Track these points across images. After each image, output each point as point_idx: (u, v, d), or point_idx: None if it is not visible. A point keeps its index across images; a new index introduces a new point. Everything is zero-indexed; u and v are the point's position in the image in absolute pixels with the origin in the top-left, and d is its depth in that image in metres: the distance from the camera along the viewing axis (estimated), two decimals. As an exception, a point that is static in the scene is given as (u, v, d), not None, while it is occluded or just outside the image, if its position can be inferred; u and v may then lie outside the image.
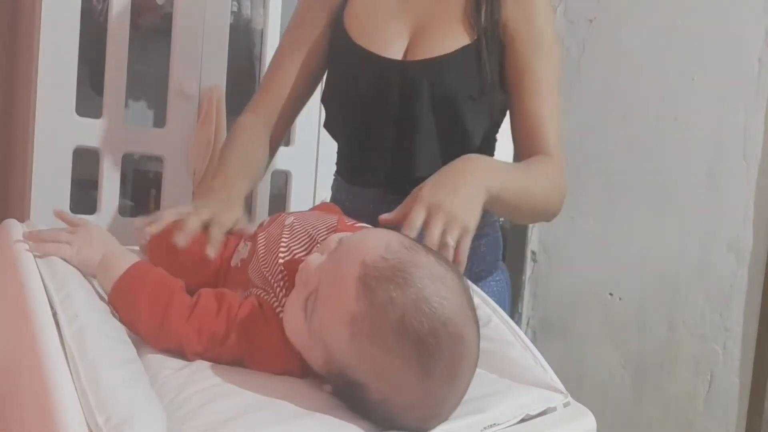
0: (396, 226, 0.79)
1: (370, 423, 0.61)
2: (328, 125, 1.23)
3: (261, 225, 0.88)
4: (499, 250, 1.25)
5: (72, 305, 0.63)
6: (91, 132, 1.48)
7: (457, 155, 0.97)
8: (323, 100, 1.22)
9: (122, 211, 1.57)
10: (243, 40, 1.77)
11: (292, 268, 0.72)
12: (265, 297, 0.72)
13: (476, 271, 1.16)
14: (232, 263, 0.86)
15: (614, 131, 2.12)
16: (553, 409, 0.71)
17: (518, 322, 2.16)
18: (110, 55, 1.49)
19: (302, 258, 0.73)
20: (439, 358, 0.59)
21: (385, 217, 0.84)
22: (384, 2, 1.17)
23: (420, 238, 0.77)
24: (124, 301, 0.71)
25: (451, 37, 1.11)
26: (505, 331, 0.81)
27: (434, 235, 0.79)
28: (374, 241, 0.65)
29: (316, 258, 0.68)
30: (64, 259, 0.74)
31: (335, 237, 0.70)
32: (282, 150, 1.76)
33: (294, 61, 1.22)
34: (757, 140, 1.91)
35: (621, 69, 2.11)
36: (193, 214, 0.88)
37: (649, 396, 2.10)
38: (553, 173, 1.09)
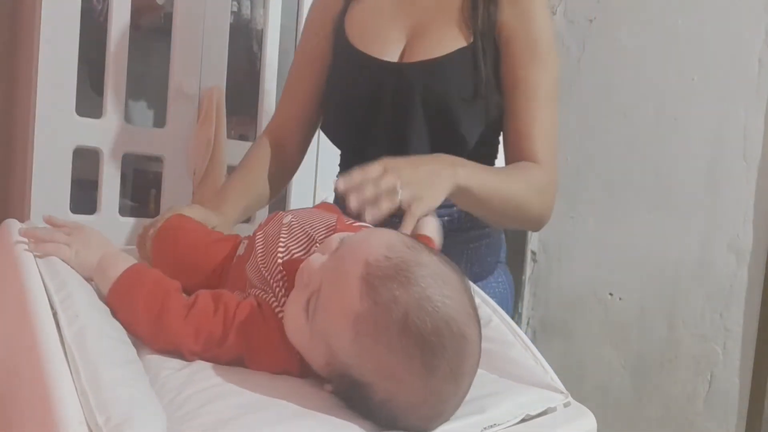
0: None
1: (372, 423, 0.61)
2: (325, 128, 1.22)
3: (260, 224, 0.88)
4: (500, 252, 1.24)
5: (72, 305, 0.63)
6: (91, 132, 1.48)
7: None
8: (322, 105, 1.23)
9: (122, 211, 1.57)
10: (243, 40, 1.77)
11: (291, 268, 0.72)
12: (264, 297, 0.72)
13: (476, 272, 1.15)
14: (233, 262, 0.86)
15: (614, 131, 2.12)
16: (554, 410, 0.71)
17: (518, 322, 2.16)
18: (110, 55, 1.49)
19: (301, 258, 0.73)
20: (442, 356, 0.59)
21: (338, 183, 0.81)
22: (383, 6, 1.17)
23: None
24: (122, 303, 0.71)
25: (448, 40, 1.10)
26: (506, 332, 0.81)
27: (377, 184, 0.79)
28: (376, 241, 0.65)
29: (317, 258, 0.68)
30: (63, 260, 0.74)
31: (336, 237, 0.70)
32: (282, 150, 1.76)
33: (303, 78, 1.24)
34: (757, 140, 1.91)
35: (621, 69, 2.11)
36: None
37: (649, 396, 2.10)
38: (538, 180, 1.06)
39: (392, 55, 1.13)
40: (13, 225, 0.82)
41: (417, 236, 0.88)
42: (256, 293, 0.74)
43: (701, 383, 2.02)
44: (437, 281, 0.61)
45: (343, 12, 1.20)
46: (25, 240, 0.75)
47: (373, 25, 1.16)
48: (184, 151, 1.61)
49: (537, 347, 0.80)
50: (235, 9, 1.75)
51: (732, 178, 1.95)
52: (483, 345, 0.66)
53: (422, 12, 1.14)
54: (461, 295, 0.63)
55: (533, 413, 0.68)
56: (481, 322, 0.67)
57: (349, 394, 0.62)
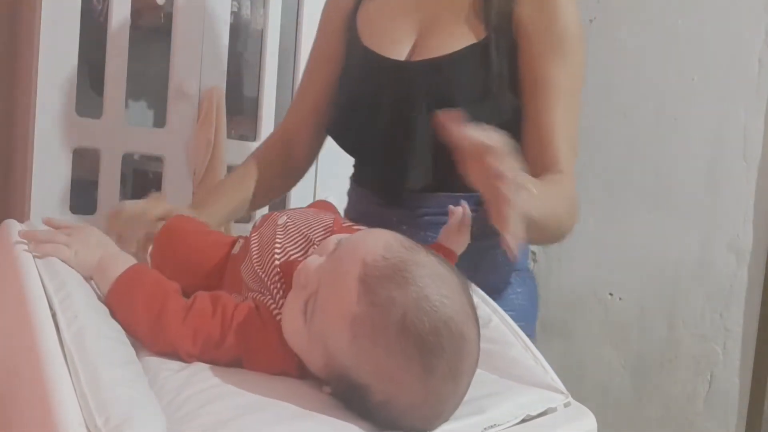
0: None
1: (372, 424, 0.61)
2: (329, 129, 1.17)
3: (254, 225, 0.88)
4: (519, 260, 1.13)
5: (71, 306, 0.63)
6: (91, 132, 1.48)
7: (455, 167, 0.90)
8: (331, 105, 1.18)
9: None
10: (243, 40, 1.77)
11: (288, 269, 0.71)
12: (261, 299, 0.72)
13: (493, 282, 1.04)
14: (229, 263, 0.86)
15: (614, 131, 2.12)
16: (554, 410, 0.71)
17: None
18: (110, 55, 1.49)
19: (298, 259, 0.73)
20: (441, 356, 0.59)
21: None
22: (394, 1, 1.12)
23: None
24: (121, 303, 0.71)
25: (458, 36, 1.03)
26: (506, 332, 0.81)
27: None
28: (374, 241, 0.64)
29: (314, 260, 0.68)
30: (62, 261, 0.74)
31: (334, 238, 0.70)
32: (282, 150, 1.76)
33: (315, 78, 1.21)
34: (757, 140, 1.91)
35: (621, 69, 2.11)
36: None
37: (649, 396, 2.10)
38: (570, 195, 0.99)
39: (400, 53, 1.07)
40: (13, 225, 0.82)
41: (436, 247, 0.88)
42: (254, 296, 0.74)
43: (701, 383, 2.01)
44: (435, 281, 0.61)
45: (355, 9, 1.16)
46: (25, 241, 0.75)
47: (384, 22, 1.11)
48: (184, 151, 1.61)
49: (537, 347, 0.80)
50: (235, 9, 1.75)
51: (732, 178, 1.94)
52: (483, 345, 0.66)
53: (433, 6, 1.07)
54: (459, 294, 0.63)
55: (533, 413, 0.68)
56: (481, 322, 0.67)
57: (347, 396, 0.62)
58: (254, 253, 0.78)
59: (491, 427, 0.64)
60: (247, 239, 0.84)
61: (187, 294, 0.73)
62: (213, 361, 0.69)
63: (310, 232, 0.79)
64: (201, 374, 0.66)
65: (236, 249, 0.86)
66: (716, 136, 1.96)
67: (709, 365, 2.00)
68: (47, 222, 0.82)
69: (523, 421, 0.67)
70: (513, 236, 0.69)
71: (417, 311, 0.59)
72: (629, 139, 2.09)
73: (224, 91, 1.64)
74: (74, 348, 0.57)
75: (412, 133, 1.03)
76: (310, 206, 1.02)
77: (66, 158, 1.45)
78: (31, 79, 1.42)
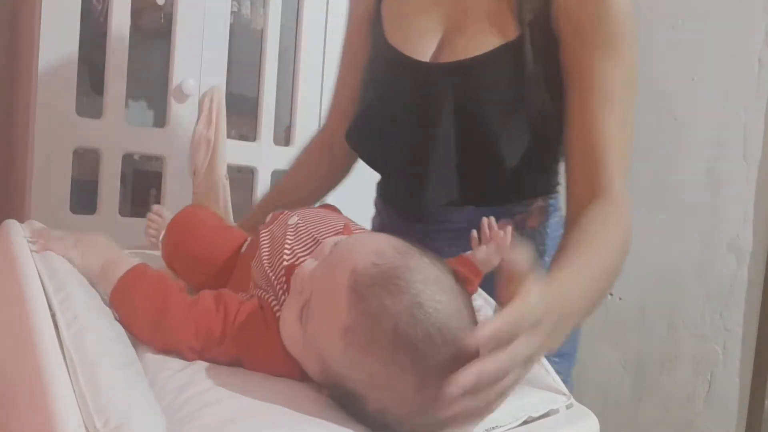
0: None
1: (370, 430, 0.61)
2: (347, 136, 1.07)
3: (264, 222, 0.87)
4: None
5: (71, 306, 0.63)
6: (91, 132, 1.48)
7: (483, 181, 0.88)
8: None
9: (122, 211, 1.57)
10: (243, 40, 1.77)
11: (291, 272, 0.71)
12: (266, 296, 0.72)
13: None
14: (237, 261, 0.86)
15: (614, 131, 2.12)
16: (556, 411, 0.70)
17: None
18: (110, 55, 1.49)
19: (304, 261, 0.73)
20: (435, 364, 0.57)
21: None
22: None
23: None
24: (123, 301, 0.70)
25: (488, 35, 0.92)
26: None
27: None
28: (364, 247, 0.62)
29: (309, 264, 0.67)
30: (70, 260, 0.74)
31: (330, 242, 0.69)
32: (282, 150, 1.77)
33: (348, 71, 1.15)
34: (757, 140, 1.91)
35: (621, 69, 2.11)
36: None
37: (649, 396, 2.10)
38: (617, 233, 0.84)
39: (425, 53, 0.97)
40: (13, 225, 0.82)
41: (461, 260, 0.85)
42: (260, 293, 0.73)
43: (701, 383, 2.02)
44: (429, 286, 0.59)
45: (380, 0, 1.06)
46: (24, 241, 0.75)
47: (409, 16, 1.00)
48: (184, 151, 1.60)
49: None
50: (235, 9, 1.75)
51: (732, 178, 1.95)
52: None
53: (463, 1, 0.96)
54: (455, 298, 0.61)
55: (535, 415, 0.68)
56: (483, 323, 0.66)
57: (344, 402, 0.61)
58: (264, 252, 0.78)
59: (493, 428, 0.64)
60: (256, 237, 0.83)
61: (197, 288, 0.73)
62: (214, 359, 0.69)
63: (320, 235, 0.77)
64: (202, 374, 0.65)
65: (244, 248, 0.85)
66: (716, 136, 1.96)
67: (709, 365, 2.00)
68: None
69: (525, 422, 0.67)
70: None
71: (409, 319, 0.57)
72: (629, 139, 2.09)
73: (224, 91, 1.64)
74: (73, 349, 0.57)
75: (435, 144, 0.93)
76: (320, 208, 1.00)
77: (66, 158, 1.45)
78: (31, 79, 1.41)
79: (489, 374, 0.54)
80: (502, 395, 0.57)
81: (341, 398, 0.62)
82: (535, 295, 0.58)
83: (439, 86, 0.93)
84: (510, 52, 0.91)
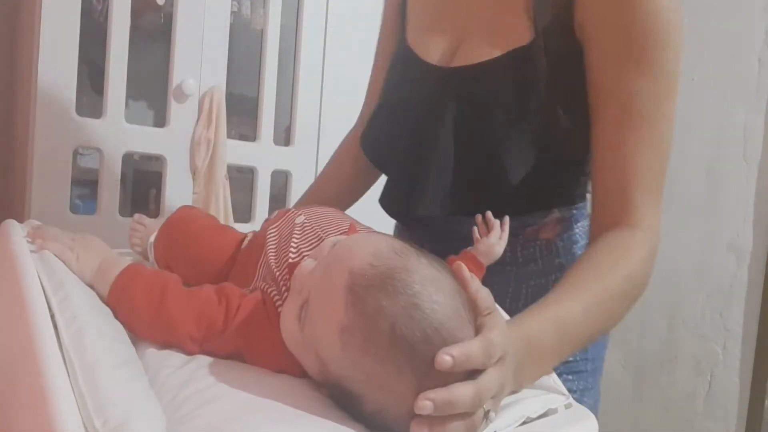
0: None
1: (369, 429, 0.61)
2: (361, 138, 1.02)
3: (267, 219, 0.87)
4: None
5: (70, 307, 0.63)
6: (91, 132, 1.48)
7: (485, 192, 0.84)
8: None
9: (122, 211, 1.57)
10: (243, 40, 1.77)
11: (293, 270, 0.71)
12: (269, 290, 0.72)
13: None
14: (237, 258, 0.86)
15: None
16: (554, 411, 0.70)
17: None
18: (110, 55, 1.49)
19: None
20: (432, 364, 0.56)
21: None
22: None
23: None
24: (121, 298, 0.70)
25: (500, 38, 0.85)
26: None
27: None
28: (362, 248, 0.62)
29: (309, 264, 0.67)
30: (65, 262, 0.74)
31: (329, 241, 0.69)
32: (282, 150, 1.77)
33: (380, 68, 1.09)
34: (757, 140, 1.91)
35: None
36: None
37: (649, 396, 2.10)
38: (632, 263, 0.78)
39: (440, 56, 0.92)
40: (12, 226, 0.82)
41: (464, 256, 0.84)
42: (263, 287, 0.73)
43: (701, 383, 2.02)
44: (426, 287, 0.59)
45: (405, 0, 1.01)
46: (24, 241, 0.75)
47: (429, 19, 0.95)
48: (184, 151, 1.61)
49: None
50: (235, 9, 1.75)
51: (732, 178, 1.95)
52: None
53: (482, 2, 0.89)
54: (453, 298, 0.60)
55: (534, 415, 0.67)
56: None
57: (342, 402, 0.61)
58: (271, 248, 0.78)
59: (491, 429, 0.64)
60: (261, 234, 0.83)
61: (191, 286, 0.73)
62: (214, 351, 0.69)
63: (325, 234, 0.77)
64: (201, 372, 0.65)
65: (245, 244, 0.85)
66: (716, 136, 1.96)
67: (709, 365, 2.00)
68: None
69: (524, 423, 0.66)
70: None
71: (407, 320, 0.57)
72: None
73: (224, 91, 1.64)
74: (73, 349, 0.57)
75: (434, 152, 0.88)
76: (326, 207, 0.99)
77: (66, 158, 1.45)
78: (31, 79, 1.42)
79: (456, 400, 0.55)
80: (472, 429, 0.57)
81: (340, 398, 0.62)
82: (496, 333, 0.59)
83: (442, 91, 0.88)
84: (519, 58, 0.83)
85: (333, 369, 0.61)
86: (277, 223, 0.83)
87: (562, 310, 0.73)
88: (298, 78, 1.78)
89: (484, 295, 0.62)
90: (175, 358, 0.68)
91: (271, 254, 0.77)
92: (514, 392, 0.67)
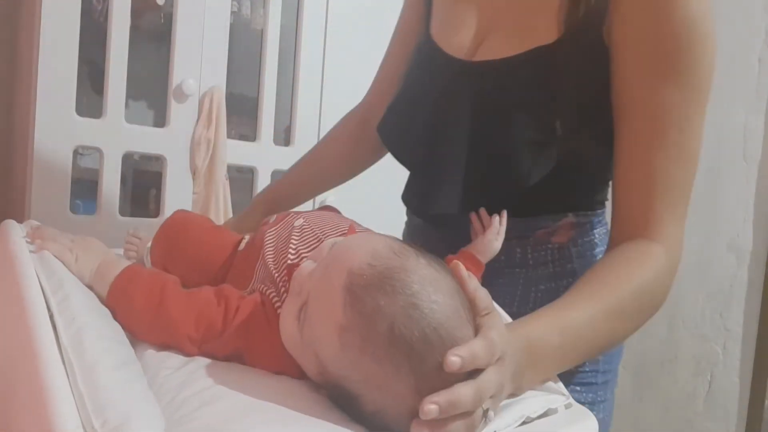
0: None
1: (368, 430, 0.61)
2: (378, 126, 1.01)
3: (266, 222, 0.87)
4: None
5: (69, 307, 0.63)
6: (91, 132, 1.48)
7: (497, 192, 0.83)
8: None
9: (122, 211, 1.57)
10: (243, 40, 1.77)
11: (292, 272, 0.71)
12: (268, 291, 0.72)
13: None
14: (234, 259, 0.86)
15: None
16: (554, 411, 0.70)
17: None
18: (110, 55, 1.49)
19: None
20: (431, 364, 0.56)
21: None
22: None
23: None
24: (120, 299, 0.71)
25: (526, 35, 0.82)
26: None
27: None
28: (361, 249, 0.62)
29: (308, 265, 0.67)
30: (64, 263, 0.74)
31: (328, 243, 0.69)
32: (281, 150, 1.77)
33: (394, 53, 1.09)
34: (757, 140, 1.91)
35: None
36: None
37: (649, 396, 2.10)
38: (649, 275, 0.76)
39: (463, 50, 0.89)
40: (12, 226, 0.82)
41: (463, 255, 0.85)
42: (262, 288, 0.73)
43: (701, 383, 2.02)
44: (425, 287, 0.59)
45: None
46: (23, 241, 0.75)
47: (454, 10, 0.93)
48: (184, 151, 1.61)
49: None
50: (235, 9, 1.75)
51: (732, 178, 1.94)
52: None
53: None
54: (451, 298, 0.60)
55: (533, 415, 0.67)
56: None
57: (342, 403, 0.61)
58: (269, 250, 0.78)
59: (491, 429, 0.64)
60: (258, 236, 0.83)
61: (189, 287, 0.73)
62: (213, 353, 0.69)
63: (325, 236, 0.77)
64: (200, 373, 0.65)
65: (242, 246, 0.85)
66: (716, 136, 1.96)
67: (709, 365, 2.00)
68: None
69: (524, 423, 0.66)
70: None
71: (405, 320, 0.57)
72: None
73: (224, 91, 1.64)
74: (72, 349, 0.57)
75: (449, 147, 0.86)
76: (323, 211, 0.97)
77: (66, 158, 1.45)
78: (31, 79, 1.42)
79: (459, 400, 0.55)
80: (471, 428, 0.57)
81: (339, 399, 0.62)
82: (495, 333, 0.59)
83: (462, 85, 0.86)
84: (542, 56, 0.81)
85: (332, 369, 0.60)
86: (275, 227, 0.83)
87: (568, 317, 0.72)
88: (298, 78, 1.78)
89: (482, 295, 0.62)
90: (174, 359, 0.68)
91: (269, 256, 0.77)
92: (513, 395, 0.67)
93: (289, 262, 0.74)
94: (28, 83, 1.45)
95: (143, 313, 0.69)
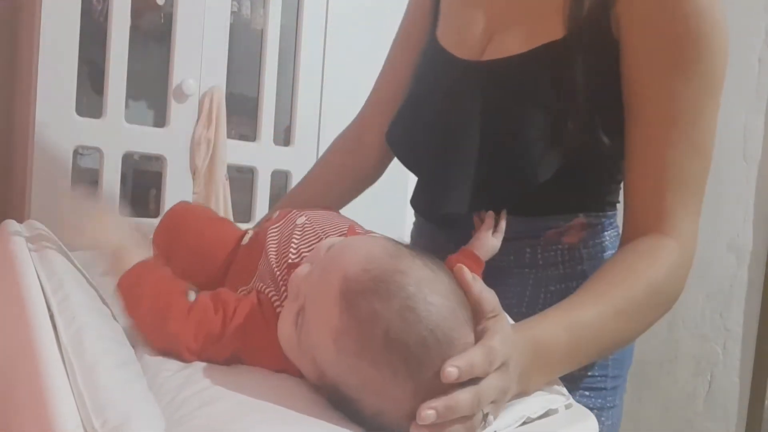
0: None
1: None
2: (387, 133, 1.00)
3: (268, 218, 0.86)
4: None
5: (69, 307, 0.63)
6: (91, 132, 1.48)
7: (507, 191, 0.83)
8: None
9: (122, 211, 1.57)
10: (243, 40, 1.77)
11: (291, 272, 0.71)
12: (267, 291, 0.72)
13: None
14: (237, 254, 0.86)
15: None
16: (555, 411, 0.70)
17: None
18: (110, 55, 1.49)
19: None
20: (429, 367, 0.56)
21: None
22: None
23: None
24: (128, 294, 0.70)
25: (533, 33, 0.82)
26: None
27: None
28: (356, 252, 0.62)
29: (304, 269, 0.66)
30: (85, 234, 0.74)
31: (325, 244, 0.68)
32: (282, 150, 1.77)
33: (393, 66, 1.08)
34: (757, 140, 1.91)
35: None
36: None
37: (649, 396, 2.10)
38: (661, 270, 0.75)
39: (470, 51, 0.88)
40: (12, 226, 0.82)
41: (463, 254, 0.84)
42: (260, 287, 0.73)
43: (701, 383, 2.02)
44: (421, 288, 0.58)
45: None
46: (23, 241, 0.75)
47: (460, 13, 0.92)
48: (184, 151, 1.61)
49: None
50: (235, 9, 1.75)
51: (732, 178, 1.94)
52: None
53: None
54: (448, 298, 0.60)
55: (534, 415, 0.67)
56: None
57: (341, 407, 0.61)
58: (272, 248, 0.78)
59: (492, 429, 0.64)
60: (261, 233, 0.82)
61: (193, 282, 0.73)
62: (213, 358, 0.68)
63: (326, 236, 0.77)
64: (200, 374, 0.65)
65: (245, 240, 0.85)
66: (716, 136, 1.96)
67: (709, 365, 2.00)
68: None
69: (524, 423, 0.66)
70: None
71: (401, 323, 0.56)
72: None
73: (224, 91, 1.64)
74: (72, 349, 0.57)
75: (459, 147, 0.85)
76: (326, 210, 0.98)
77: (66, 158, 1.45)
78: (31, 79, 1.42)
79: (457, 405, 0.55)
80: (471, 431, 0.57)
81: (338, 402, 0.61)
82: (498, 339, 0.59)
83: (471, 85, 0.85)
84: (551, 53, 0.80)
85: (330, 374, 0.60)
86: (278, 224, 0.82)
87: (576, 316, 0.71)
88: (298, 78, 1.78)
89: (488, 297, 0.62)
90: (173, 361, 0.68)
91: (271, 254, 0.77)
92: (522, 394, 0.67)
93: (290, 260, 0.74)
94: (28, 83, 1.45)
95: (146, 320, 0.69)
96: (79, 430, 0.49)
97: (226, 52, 1.65)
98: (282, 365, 0.68)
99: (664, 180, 0.77)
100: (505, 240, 0.86)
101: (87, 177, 1.57)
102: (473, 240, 0.86)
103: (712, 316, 1.99)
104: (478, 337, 0.60)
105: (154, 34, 1.71)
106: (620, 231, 0.85)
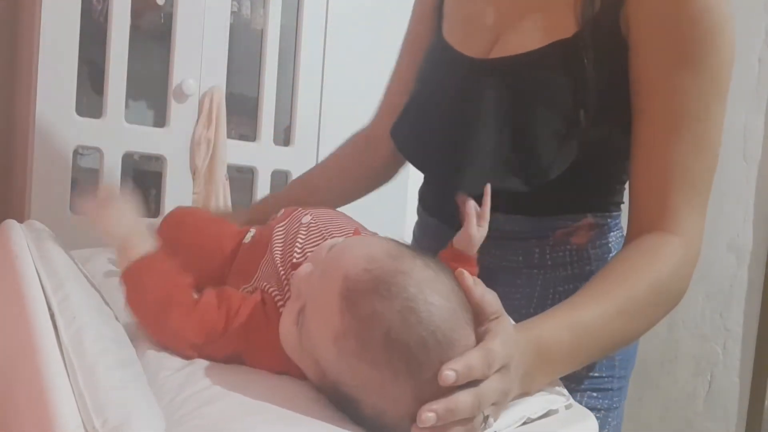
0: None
1: None
2: (392, 130, 0.99)
3: (275, 217, 0.86)
4: None
5: (69, 306, 0.63)
6: (91, 132, 1.48)
7: (515, 195, 0.81)
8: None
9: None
10: (243, 40, 1.77)
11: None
12: (270, 289, 0.72)
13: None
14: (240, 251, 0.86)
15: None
16: (555, 412, 0.70)
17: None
18: (110, 55, 1.49)
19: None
20: (429, 368, 0.56)
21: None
22: None
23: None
24: (132, 286, 0.70)
25: (543, 30, 0.81)
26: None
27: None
28: (357, 253, 0.62)
29: (306, 269, 0.66)
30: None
31: (327, 244, 0.68)
32: (282, 150, 1.77)
33: (403, 67, 1.07)
34: (757, 140, 1.91)
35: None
36: None
37: (649, 396, 2.10)
38: (666, 268, 0.75)
39: (478, 49, 0.88)
40: (13, 225, 0.82)
41: (451, 252, 0.83)
42: (264, 286, 0.73)
43: (701, 383, 2.02)
44: (422, 289, 0.58)
45: None
46: (23, 241, 0.75)
47: (468, 11, 0.92)
48: (184, 151, 1.61)
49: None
50: (235, 9, 1.75)
51: (732, 178, 1.94)
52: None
53: None
54: (449, 299, 0.60)
55: (534, 416, 0.67)
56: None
57: (342, 407, 0.61)
58: (277, 247, 0.78)
59: (492, 430, 0.64)
60: (267, 231, 0.82)
61: (198, 282, 0.73)
62: (213, 355, 0.69)
63: (331, 236, 0.77)
64: (200, 373, 0.65)
65: (248, 238, 0.85)
66: (717, 136, 1.96)
67: (709, 365, 2.00)
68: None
69: (524, 423, 0.66)
70: None
71: (402, 324, 0.56)
72: (629, 139, 2.09)
73: (224, 91, 1.64)
74: (72, 349, 0.57)
75: (469, 146, 0.85)
76: (332, 209, 0.95)
77: (66, 158, 1.45)
78: (31, 79, 1.42)
79: (457, 408, 0.55)
80: None
81: (339, 402, 0.61)
82: (499, 341, 0.59)
83: (479, 83, 0.85)
84: (560, 50, 0.79)
85: (330, 374, 0.60)
86: (283, 222, 0.82)
87: (578, 316, 0.71)
88: (298, 78, 1.78)
89: (490, 299, 0.62)
90: (174, 360, 0.68)
91: (277, 253, 0.77)
92: (524, 395, 0.67)
93: (294, 260, 0.74)
94: (28, 83, 1.45)
95: (149, 310, 0.70)
96: (80, 430, 0.49)
97: (226, 52, 1.65)
98: (283, 367, 0.68)
99: (669, 177, 0.77)
100: (513, 240, 0.86)
101: (87, 177, 1.57)
102: (461, 234, 0.83)
103: (712, 316, 1.99)
104: (480, 338, 0.60)
105: (154, 34, 1.71)
106: (624, 232, 0.85)
